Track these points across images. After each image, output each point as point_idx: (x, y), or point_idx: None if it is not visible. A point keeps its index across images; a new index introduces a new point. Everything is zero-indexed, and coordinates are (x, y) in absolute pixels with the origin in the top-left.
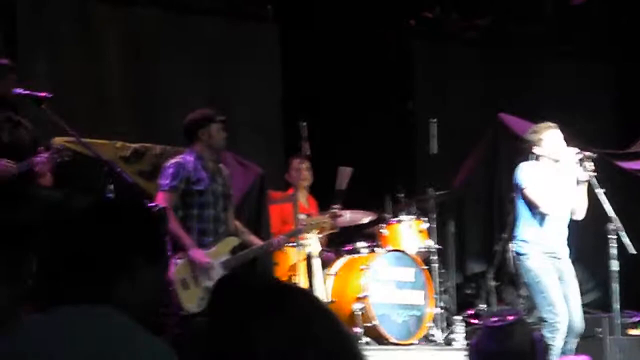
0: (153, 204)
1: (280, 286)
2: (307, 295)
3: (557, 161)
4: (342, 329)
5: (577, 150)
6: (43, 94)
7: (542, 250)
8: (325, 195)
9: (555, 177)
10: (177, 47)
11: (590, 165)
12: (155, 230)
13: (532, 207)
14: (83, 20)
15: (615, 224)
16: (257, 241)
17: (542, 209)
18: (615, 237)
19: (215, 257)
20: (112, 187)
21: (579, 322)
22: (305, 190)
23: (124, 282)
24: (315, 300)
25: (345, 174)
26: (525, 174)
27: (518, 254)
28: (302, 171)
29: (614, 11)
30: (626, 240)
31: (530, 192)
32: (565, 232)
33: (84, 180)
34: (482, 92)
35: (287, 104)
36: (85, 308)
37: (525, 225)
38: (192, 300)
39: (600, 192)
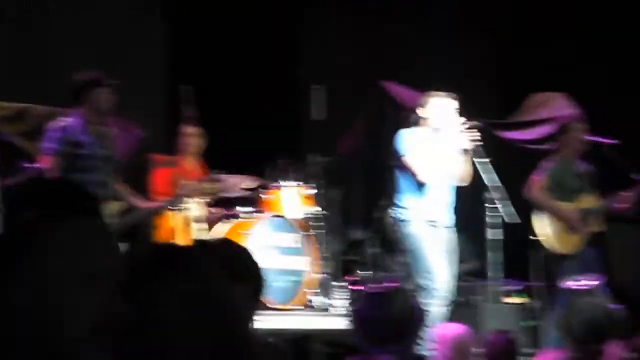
0: (37, 166)
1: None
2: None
3: (437, 129)
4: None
5: (463, 119)
6: None
7: (422, 218)
8: (211, 160)
9: (436, 145)
10: (64, 5)
11: (475, 134)
12: None
13: (411, 174)
14: None
15: (498, 193)
16: (141, 204)
17: (420, 177)
18: (494, 206)
19: None
20: None
21: (451, 290)
22: (194, 155)
23: None
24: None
25: None
26: (405, 141)
27: (398, 220)
28: (189, 137)
29: None
30: (507, 209)
31: (409, 160)
32: (447, 201)
33: None
34: (371, 60)
35: (173, 66)
36: None
37: (405, 193)
38: None
39: (484, 162)
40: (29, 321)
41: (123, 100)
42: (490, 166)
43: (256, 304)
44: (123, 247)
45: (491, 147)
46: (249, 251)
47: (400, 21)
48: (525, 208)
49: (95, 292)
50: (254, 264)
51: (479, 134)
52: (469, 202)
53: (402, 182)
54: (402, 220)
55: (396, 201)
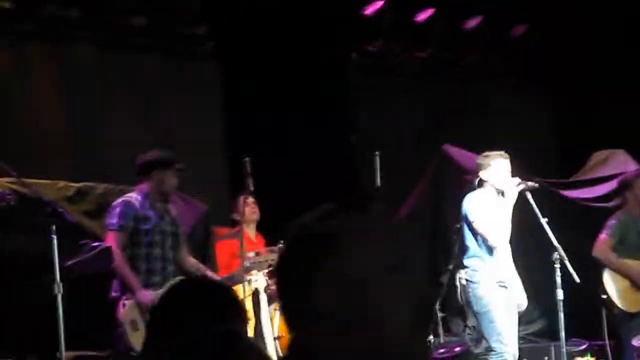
0: (98, 244)
1: None
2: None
3: (500, 191)
4: None
5: (518, 180)
6: None
7: (492, 279)
8: (270, 231)
9: (497, 207)
10: (117, 84)
11: (531, 196)
12: None
13: (480, 238)
14: (19, 58)
15: (559, 252)
16: (211, 276)
17: (491, 242)
18: (559, 266)
19: None
20: (54, 227)
21: (516, 351)
22: (253, 226)
23: None
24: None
25: None
26: (473, 205)
27: (468, 281)
28: (249, 207)
29: (552, 44)
30: (570, 269)
31: (479, 225)
32: (510, 260)
33: (27, 222)
34: (425, 124)
35: (229, 140)
36: None
37: (474, 255)
38: (141, 341)
39: (543, 222)
40: (336, 325)
41: (183, 175)
42: (547, 226)
43: None
44: None
45: (555, 206)
46: None
47: (455, 82)
48: (593, 266)
49: (407, 283)
50: None
51: (534, 194)
52: (532, 262)
53: (470, 244)
54: (474, 282)
55: (466, 264)
